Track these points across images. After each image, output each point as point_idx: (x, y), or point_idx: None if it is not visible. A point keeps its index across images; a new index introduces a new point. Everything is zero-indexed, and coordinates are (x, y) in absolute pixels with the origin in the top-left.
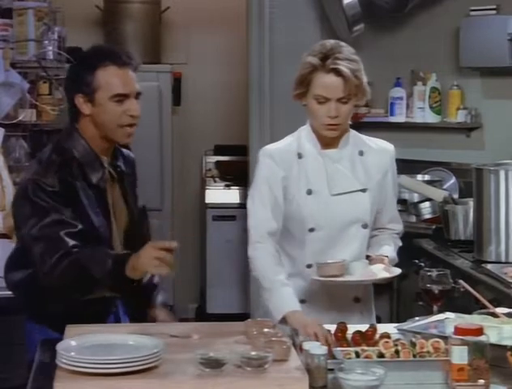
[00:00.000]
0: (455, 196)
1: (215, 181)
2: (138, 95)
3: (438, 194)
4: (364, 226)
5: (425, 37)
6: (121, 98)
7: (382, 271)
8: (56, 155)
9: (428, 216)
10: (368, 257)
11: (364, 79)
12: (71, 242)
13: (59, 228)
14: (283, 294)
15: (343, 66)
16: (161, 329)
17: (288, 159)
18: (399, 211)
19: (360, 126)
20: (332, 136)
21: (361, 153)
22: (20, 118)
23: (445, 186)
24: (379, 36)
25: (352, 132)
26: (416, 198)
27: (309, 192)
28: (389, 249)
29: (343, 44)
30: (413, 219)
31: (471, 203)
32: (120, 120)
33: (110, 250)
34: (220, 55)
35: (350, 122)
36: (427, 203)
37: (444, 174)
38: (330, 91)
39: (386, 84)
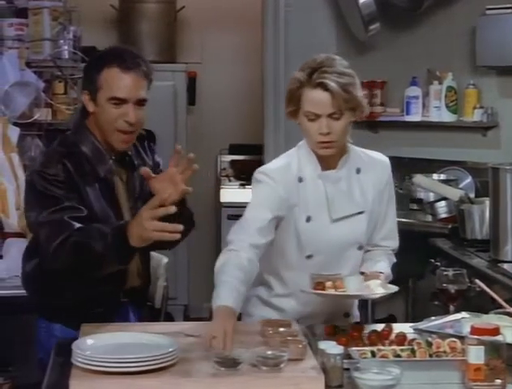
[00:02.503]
0: (471, 195)
1: (229, 181)
2: (140, 102)
3: (454, 194)
4: (360, 248)
5: (441, 36)
6: (117, 101)
7: (379, 287)
8: (61, 146)
9: (444, 216)
10: (362, 273)
11: (359, 93)
12: (77, 225)
13: (65, 212)
14: (224, 288)
15: (330, 80)
16: (176, 328)
17: (289, 182)
18: (414, 210)
19: (376, 125)
20: (327, 154)
21: (358, 171)
22: (35, 117)
23: (461, 186)
24: (395, 35)
25: (352, 151)
26: (431, 197)
27: (308, 219)
28: (384, 265)
29: (336, 57)
30: (429, 218)
31: (487, 202)
32: (115, 123)
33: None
34: (235, 54)
35: (350, 141)
36: (443, 203)
37: (460, 173)
38: (319, 107)
39: (401, 83)
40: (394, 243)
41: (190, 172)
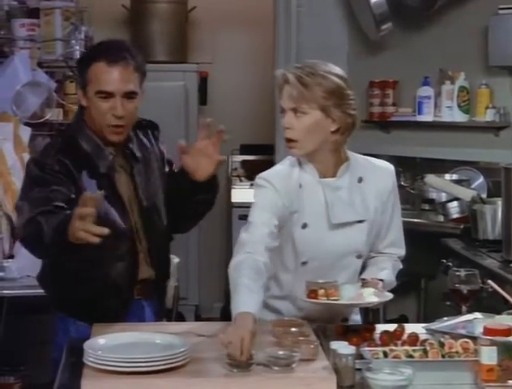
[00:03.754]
0: (483, 195)
1: (240, 181)
2: (128, 94)
3: (466, 194)
4: (359, 256)
5: (454, 36)
6: (104, 95)
7: (372, 296)
8: (60, 139)
9: (456, 216)
10: (363, 280)
11: (333, 101)
12: (56, 203)
13: (49, 193)
14: (244, 292)
15: (292, 74)
16: (187, 328)
17: (290, 188)
18: (426, 210)
19: (388, 125)
20: (293, 155)
21: (360, 180)
22: (47, 117)
23: (473, 186)
24: (407, 34)
25: (353, 159)
26: (443, 197)
27: (304, 226)
28: (386, 272)
29: (331, 65)
30: (441, 218)
31: (499, 202)
32: (105, 117)
33: (128, 239)
34: (247, 54)
35: (346, 150)
36: (455, 203)
37: (472, 173)
38: (284, 101)
39: (413, 83)
40: (400, 251)
41: (221, 141)
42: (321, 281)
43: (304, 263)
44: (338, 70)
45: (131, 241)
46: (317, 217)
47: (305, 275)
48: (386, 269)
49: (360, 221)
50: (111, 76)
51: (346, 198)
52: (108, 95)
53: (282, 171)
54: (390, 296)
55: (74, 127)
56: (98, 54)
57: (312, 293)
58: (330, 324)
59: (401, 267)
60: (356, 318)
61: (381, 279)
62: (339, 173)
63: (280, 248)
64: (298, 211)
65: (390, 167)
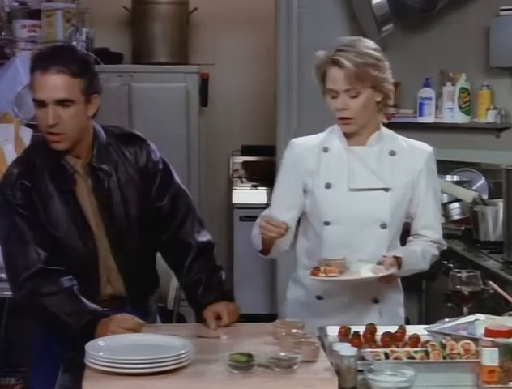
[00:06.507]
0: (485, 197)
1: (242, 182)
2: (62, 102)
3: (468, 195)
4: (383, 226)
5: (455, 37)
6: (38, 103)
7: (367, 272)
8: (14, 166)
9: (457, 217)
10: (383, 257)
11: (381, 75)
12: (36, 259)
13: (21, 245)
14: None
15: (344, 58)
16: (189, 329)
17: (309, 152)
18: None
19: (389, 126)
20: (347, 131)
21: (393, 153)
22: None
23: (474, 187)
24: (408, 36)
25: (386, 132)
26: (445, 198)
27: (328, 186)
28: (409, 252)
29: (364, 39)
30: (442, 220)
31: (500, 203)
32: (41, 126)
33: (88, 258)
34: (248, 56)
35: (385, 121)
36: (456, 204)
37: (473, 175)
38: (335, 83)
39: (414, 84)
40: (434, 234)
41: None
42: (330, 258)
43: (326, 224)
44: (372, 43)
45: (92, 260)
46: (340, 181)
47: (330, 243)
48: (412, 249)
49: (384, 190)
50: (43, 84)
51: (372, 167)
52: (41, 103)
53: (309, 136)
54: (388, 271)
55: (31, 149)
56: (35, 62)
57: (315, 270)
58: (360, 302)
59: (436, 253)
60: (398, 311)
61: (398, 257)
62: (369, 143)
63: (307, 212)
64: (319, 172)
65: (428, 148)
